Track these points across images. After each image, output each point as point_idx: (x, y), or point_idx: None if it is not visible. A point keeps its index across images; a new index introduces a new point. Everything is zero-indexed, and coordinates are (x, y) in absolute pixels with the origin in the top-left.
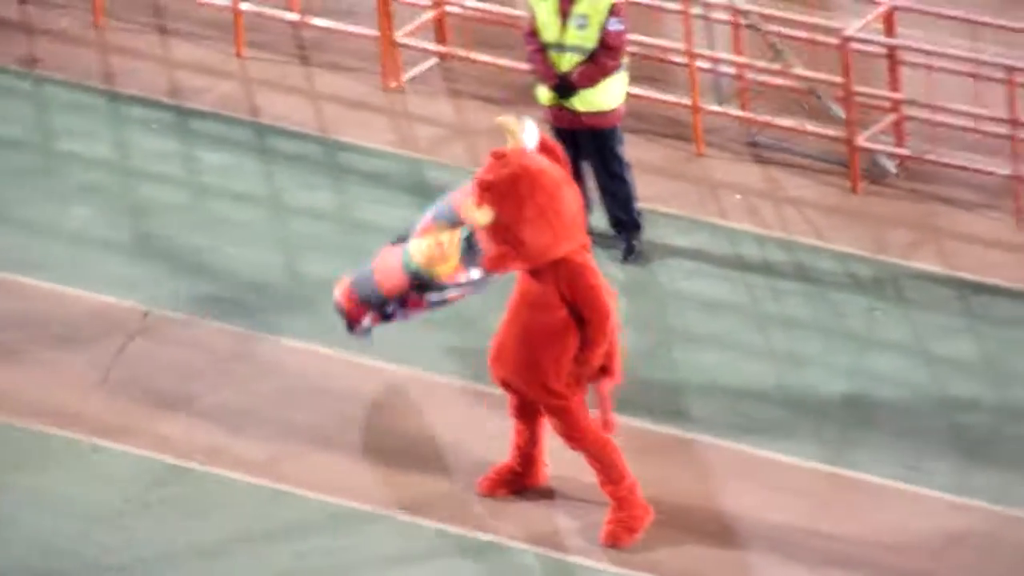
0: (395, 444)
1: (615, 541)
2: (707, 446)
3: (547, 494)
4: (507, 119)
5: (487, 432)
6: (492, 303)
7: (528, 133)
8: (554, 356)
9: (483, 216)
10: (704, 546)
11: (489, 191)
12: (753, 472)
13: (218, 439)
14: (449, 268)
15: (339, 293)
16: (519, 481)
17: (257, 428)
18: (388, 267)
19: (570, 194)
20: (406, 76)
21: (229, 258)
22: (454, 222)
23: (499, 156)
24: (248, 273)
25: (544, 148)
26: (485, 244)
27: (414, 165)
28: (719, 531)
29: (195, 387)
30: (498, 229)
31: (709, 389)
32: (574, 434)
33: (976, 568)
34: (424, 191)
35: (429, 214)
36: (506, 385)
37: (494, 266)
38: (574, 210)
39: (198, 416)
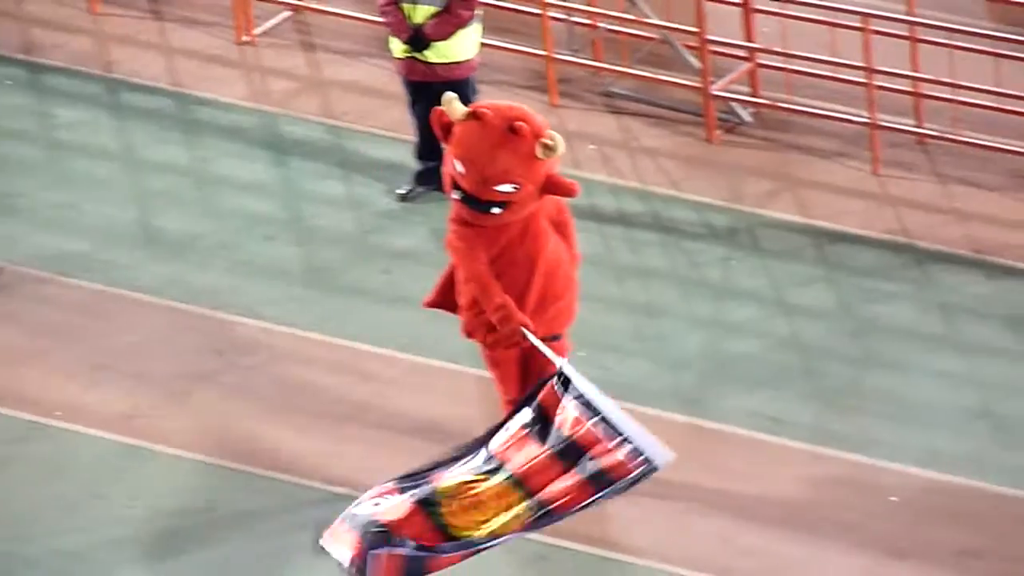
0: (254, 397)
1: None
2: None
3: None
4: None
5: (343, 382)
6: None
7: None
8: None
9: (558, 143)
10: None
11: (543, 123)
12: None
13: (75, 395)
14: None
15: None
16: None
17: (113, 383)
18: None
19: None
20: (259, 30)
21: (84, 214)
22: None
23: (496, 107)
24: (103, 228)
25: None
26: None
27: (268, 119)
28: None
29: (51, 343)
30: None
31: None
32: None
33: (836, 517)
34: (278, 144)
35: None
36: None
37: (574, 190)
38: None
39: (55, 372)
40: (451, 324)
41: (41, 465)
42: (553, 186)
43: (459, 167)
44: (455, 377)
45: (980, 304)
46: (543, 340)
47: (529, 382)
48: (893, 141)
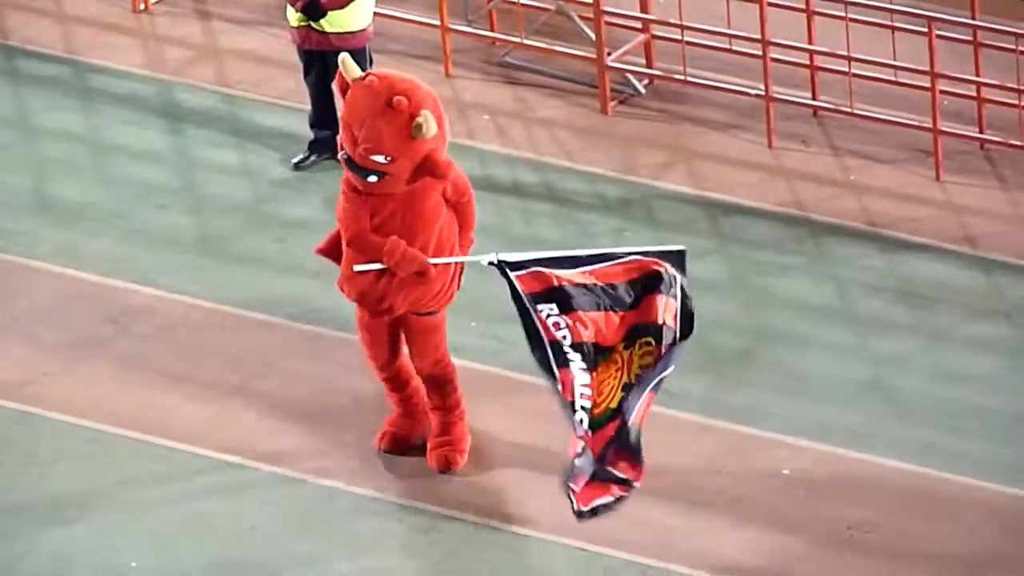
0: (147, 365)
1: (450, 464)
2: (464, 370)
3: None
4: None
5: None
6: None
7: None
8: None
9: (430, 127)
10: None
11: (426, 102)
12: (505, 395)
13: None
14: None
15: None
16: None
17: (7, 349)
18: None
19: None
20: None
21: None
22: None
23: (388, 77)
24: None
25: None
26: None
27: (164, 87)
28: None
29: None
30: (437, 140)
31: (458, 311)
32: (430, 350)
33: (726, 490)
34: (173, 113)
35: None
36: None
37: (447, 172)
38: None
39: None
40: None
41: None
42: (429, 165)
43: (342, 129)
44: (346, 345)
45: (873, 277)
46: (412, 313)
47: (398, 349)
48: (788, 114)
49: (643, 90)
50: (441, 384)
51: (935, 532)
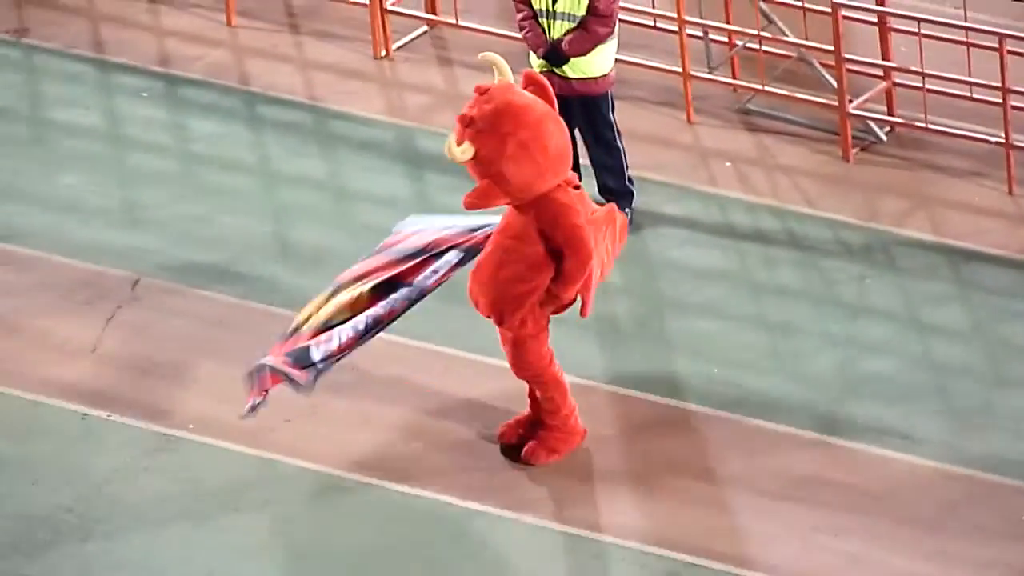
0: (393, 408)
1: (531, 458)
2: (701, 417)
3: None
4: (491, 55)
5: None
6: None
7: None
8: (520, 292)
9: (464, 152)
10: (697, 514)
11: (470, 127)
12: (745, 441)
13: (208, 408)
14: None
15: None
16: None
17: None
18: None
19: (556, 129)
20: (396, 44)
21: (220, 226)
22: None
23: (482, 91)
24: (239, 242)
25: (530, 82)
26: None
27: (404, 133)
28: (712, 500)
29: (185, 356)
30: (480, 165)
31: (702, 358)
32: (522, 364)
33: (968, 537)
34: (414, 159)
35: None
36: (475, 304)
37: (477, 201)
38: (560, 145)
39: (190, 384)
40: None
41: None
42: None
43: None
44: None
45: None
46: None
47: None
48: None
49: (884, 137)
50: (542, 392)
51: None
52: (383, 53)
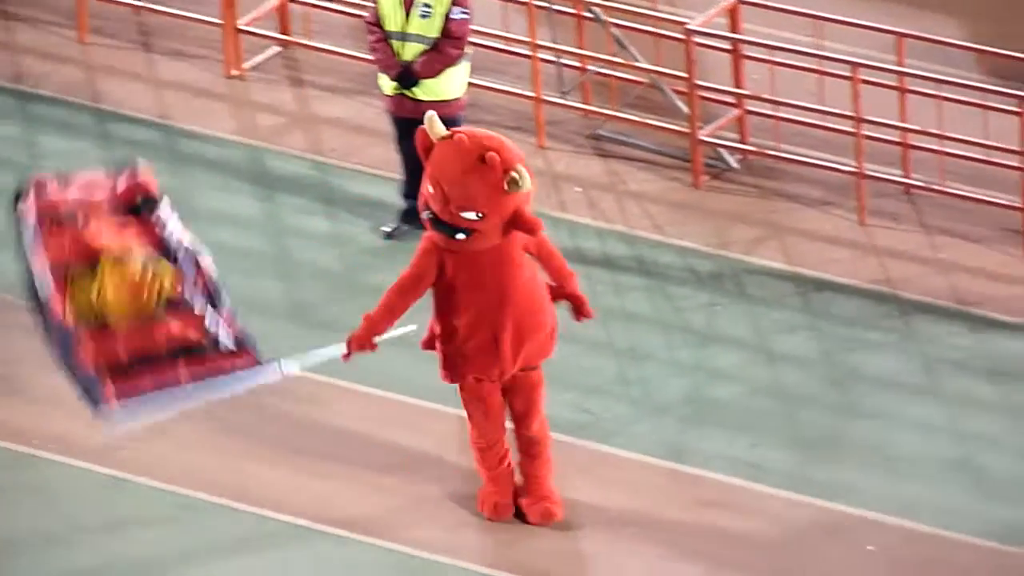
0: (237, 431)
1: (552, 517)
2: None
3: None
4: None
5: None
6: None
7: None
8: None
9: (525, 180)
10: (546, 540)
11: (516, 158)
12: (594, 467)
13: (56, 424)
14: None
15: None
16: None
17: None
18: None
19: None
20: (248, 64)
21: None
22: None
23: (476, 134)
24: None
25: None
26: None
27: (255, 153)
28: (561, 525)
29: (24, 371)
30: (525, 196)
31: (551, 383)
32: (539, 406)
33: (813, 565)
34: (264, 179)
35: None
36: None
37: (538, 227)
38: None
39: (35, 402)
40: (431, 363)
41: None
42: (519, 221)
43: (429, 187)
44: (442, 417)
45: (962, 356)
46: (521, 370)
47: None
48: (880, 191)
49: (736, 165)
50: (543, 441)
51: None
52: (235, 73)
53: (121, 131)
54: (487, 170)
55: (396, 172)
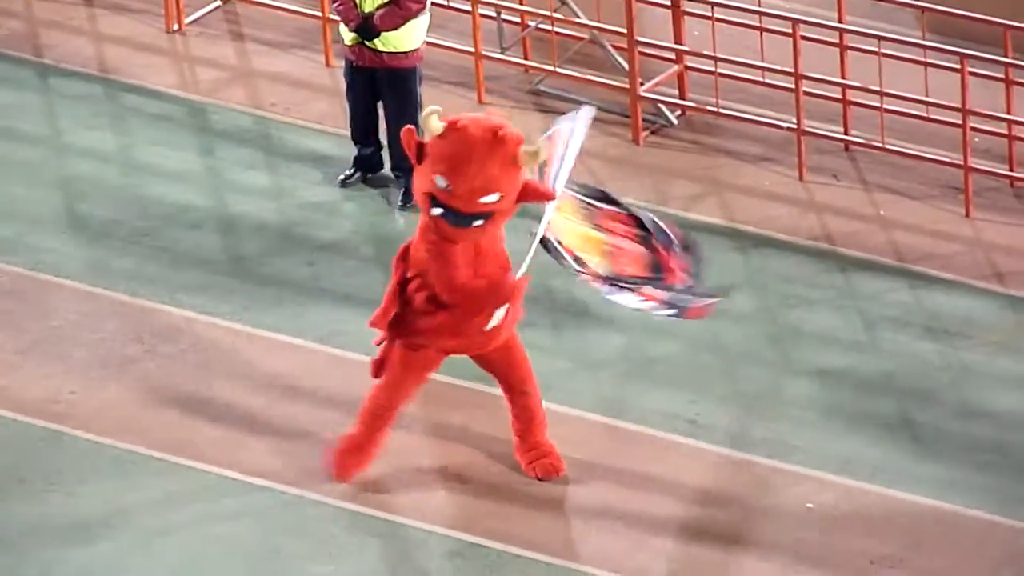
0: (174, 385)
1: (557, 471)
2: (485, 395)
3: None
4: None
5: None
6: None
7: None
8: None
9: (543, 148)
10: (479, 497)
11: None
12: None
13: None
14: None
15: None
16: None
17: (36, 367)
18: None
19: None
20: (188, 18)
21: (10, 198)
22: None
23: (472, 119)
24: (29, 213)
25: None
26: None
27: (196, 107)
28: (497, 483)
29: None
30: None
31: None
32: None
33: (750, 522)
34: (205, 134)
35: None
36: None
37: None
38: None
39: None
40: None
41: None
42: (531, 193)
43: (443, 182)
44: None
45: (901, 312)
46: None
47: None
48: (820, 148)
49: (675, 121)
50: (538, 400)
51: (957, 568)
52: (175, 27)
53: (63, 85)
54: (503, 148)
55: (337, 126)
